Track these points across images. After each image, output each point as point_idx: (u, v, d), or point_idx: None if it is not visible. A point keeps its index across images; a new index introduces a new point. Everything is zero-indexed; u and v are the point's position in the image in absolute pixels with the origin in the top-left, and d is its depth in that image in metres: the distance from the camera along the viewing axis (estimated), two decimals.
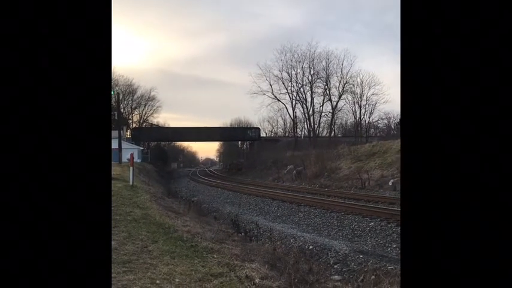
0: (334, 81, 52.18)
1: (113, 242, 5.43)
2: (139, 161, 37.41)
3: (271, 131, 61.50)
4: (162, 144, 60.84)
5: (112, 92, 53.54)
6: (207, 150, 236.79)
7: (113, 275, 3.96)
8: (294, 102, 52.92)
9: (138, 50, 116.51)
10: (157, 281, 3.95)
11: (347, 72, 51.48)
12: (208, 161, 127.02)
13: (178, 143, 78.59)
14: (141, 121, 59.60)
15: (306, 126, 54.67)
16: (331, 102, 51.84)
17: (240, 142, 66.04)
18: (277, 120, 59.97)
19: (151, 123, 58.90)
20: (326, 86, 51.88)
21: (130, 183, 14.94)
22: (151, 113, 60.49)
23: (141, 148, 47.24)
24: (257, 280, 4.40)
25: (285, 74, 52.43)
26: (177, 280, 4.05)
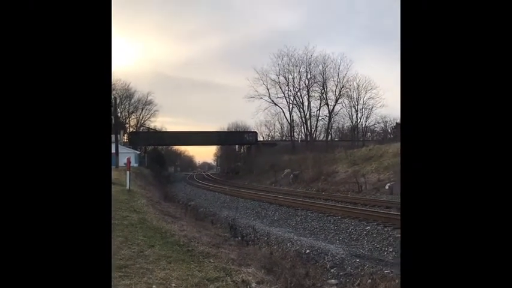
0: (331, 85, 52.19)
1: None
2: (136, 165, 37.34)
3: (269, 135, 61.46)
4: (159, 149, 60.75)
5: None
6: (204, 154, 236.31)
7: None
8: (291, 106, 52.97)
9: (134, 53, 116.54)
10: (154, 286, 3.95)
11: (344, 77, 51.53)
12: (206, 165, 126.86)
13: (176, 147, 78.60)
14: (138, 125, 59.52)
15: (303, 130, 54.69)
16: (328, 106, 51.85)
17: (237, 146, 65.99)
18: (275, 124, 59.92)
19: (149, 128, 58.82)
20: (323, 90, 51.91)
21: (127, 187, 14.92)
22: (149, 117, 60.43)
23: (138, 152, 47.15)
24: (253, 285, 4.40)
25: (282, 78, 52.45)
26: (173, 285, 4.05)
